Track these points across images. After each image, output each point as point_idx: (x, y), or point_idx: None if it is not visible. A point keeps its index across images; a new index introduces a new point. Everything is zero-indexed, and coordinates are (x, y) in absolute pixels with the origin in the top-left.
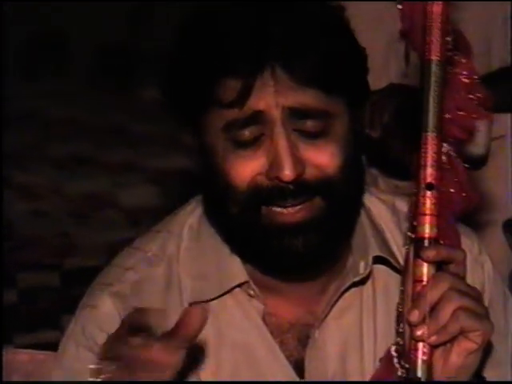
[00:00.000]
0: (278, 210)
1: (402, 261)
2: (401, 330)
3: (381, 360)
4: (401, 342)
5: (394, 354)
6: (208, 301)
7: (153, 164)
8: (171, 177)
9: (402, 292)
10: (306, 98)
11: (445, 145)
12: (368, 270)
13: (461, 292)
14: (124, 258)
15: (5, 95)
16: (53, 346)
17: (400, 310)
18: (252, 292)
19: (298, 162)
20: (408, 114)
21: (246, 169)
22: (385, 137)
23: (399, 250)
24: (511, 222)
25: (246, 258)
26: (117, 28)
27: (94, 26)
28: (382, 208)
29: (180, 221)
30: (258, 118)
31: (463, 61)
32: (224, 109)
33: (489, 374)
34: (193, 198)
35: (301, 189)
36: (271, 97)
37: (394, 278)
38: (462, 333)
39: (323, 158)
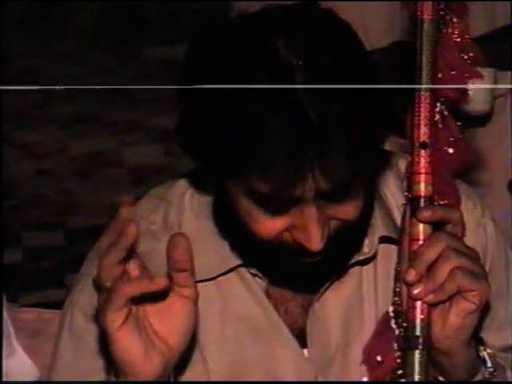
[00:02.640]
0: (306, 259)
1: None
2: (398, 290)
3: (378, 322)
4: (398, 302)
5: (391, 314)
6: (213, 278)
7: (157, 123)
8: (175, 135)
9: (399, 252)
10: (338, 183)
11: (438, 104)
12: (373, 251)
13: (458, 252)
14: None
15: (7, 54)
16: (58, 305)
17: (397, 269)
18: (253, 270)
19: (325, 230)
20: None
21: (272, 226)
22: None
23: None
24: None
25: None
26: None
27: None
28: (387, 174)
29: (180, 189)
30: (291, 201)
31: (455, 20)
32: (255, 193)
33: (491, 337)
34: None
35: (327, 246)
36: (307, 190)
37: (395, 251)
38: (460, 293)
39: (348, 213)
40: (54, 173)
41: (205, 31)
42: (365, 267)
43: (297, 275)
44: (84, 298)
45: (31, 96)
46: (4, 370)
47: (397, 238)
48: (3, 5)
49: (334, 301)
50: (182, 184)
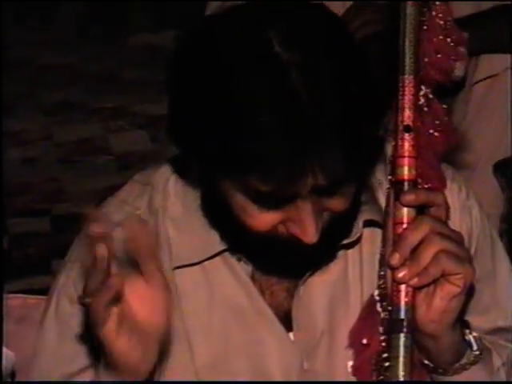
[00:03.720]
0: (297, 250)
1: None
2: (382, 273)
3: (363, 305)
4: (383, 286)
5: (376, 298)
6: (198, 263)
7: (144, 110)
8: (162, 122)
9: (384, 235)
10: (335, 179)
11: (423, 87)
12: (358, 235)
13: (442, 235)
14: (112, 212)
15: None
16: (44, 291)
17: (382, 253)
18: (237, 256)
19: (319, 223)
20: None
21: (267, 220)
22: None
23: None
24: (502, 163)
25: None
26: None
27: None
28: None
29: (165, 174)
30: (287, 198)
31: (437, 3)
32: (251, 190)
33: (476, 320)
34: None
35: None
36: (303, 186)
37: (380, 234)
38: (444, 276)
39: (340, 204)
40: (40, 160)
41: (197, 25)
42: (350, 251)
43: (286, 262)
44: (69, 283)
45: (17, 84)
46: None
47: (381, 221)
48: None
49: (319, 285)
50: (166, 169)
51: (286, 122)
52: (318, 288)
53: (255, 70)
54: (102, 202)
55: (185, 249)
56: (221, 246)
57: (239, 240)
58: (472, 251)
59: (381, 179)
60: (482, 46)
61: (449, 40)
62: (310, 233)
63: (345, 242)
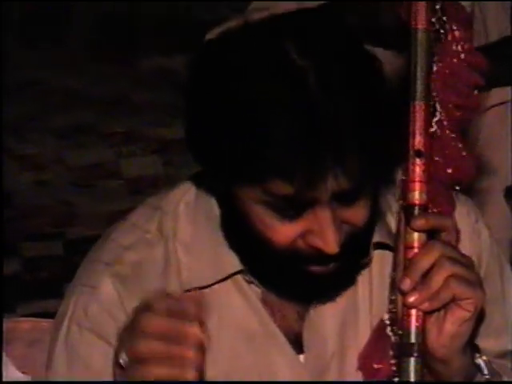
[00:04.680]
0: (318, 268)
1: None
2: (393, 298)
3: (373, 329)
4: (393, 310)
5: (387, 322)
6: (207, 286)
7: (155, 134)
8: (174, 146)
9: (395, 259)
10: (354, 183)
11: (437, 114)
12: (369, 257)
13: (452, 259)
14: (122, 235)
15: (5, 65)
16: (56, 315)
17: (393, 277)
18: (248, 278)
19: (341, 233)
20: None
21: (286, 233)
22: None
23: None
24: None
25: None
26: None
27: None
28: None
29: (175, 198)
30: (307, 204)
31: (454, 28)
32: (269, 197)
33: (486, 343)
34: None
35: (340, 251)
36: (323, 189)
37: (390, 257)
38: (454, 300)
39: (359, 216)
40: (52, 184)
41: (214, 37)
42: (360, 274)
43: (303, 285)
44: (79, 310)
45: (29, 107)
46: None
47: (390, 243)
48: (1, 14)
49: (329, 307)
50: (177, 193)
51: (305, 123)
52: (329, 310)
53: (272, 76)
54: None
55: (195, 272)
56: (232, 269)
57: (257, 258)
58: (481, 274)
59: (390, 203)
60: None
61: (467, 64)
62: (331, 241)
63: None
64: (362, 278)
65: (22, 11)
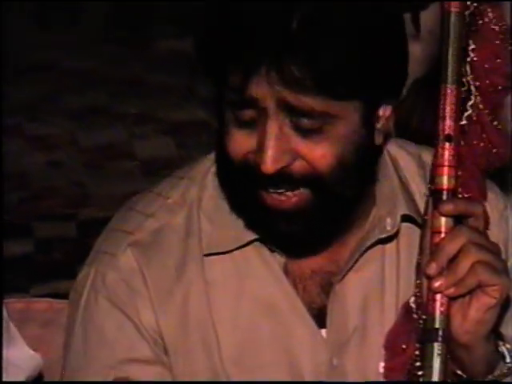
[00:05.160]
0: (264, 193)
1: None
2: (419, 282)
3: (400, 311)
4: (419, 294)
5: (412, 305)
6: (229, 251)
7: (168, 115)
8: (187, 128)
9: (421, 243)
10: (303, 97)
11: (472, 97)
12: (396, 229)
13: (479, 246)
14: (145, 204)
15: (19, 46)
16: (69, 296)
17: (419, 261)
18: (271, 247)
19: (284, 154)
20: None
21: (241, 146)
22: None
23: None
24: None
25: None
26: None
27: None
28: (408, 160)
29: (203, 168)
30: (254, 103)
31: (489, 9)
32: (230, 90)
33: (510, 331)
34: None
35: (284, 179)
36: (267, 87)
37: (418, 235)
38: (480, 287)
39: (315, 154)
40: (65, 164)
41: None
42: (387, 247)
43: (278, 236)
44: (98, 277)
45: (42, 88)
46: (4, 361)
47: (419, 220)
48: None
49: (355, 283)
50: (206, 162)
51: (266, 21)
52: (354, 286)
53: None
54: None
55: (216, 239)
56: (253, 235)
57: (225, 180)
58: (509, 262)
59: (419, 186)
60: None
61: (506, 44)
62: (266, 155)
63: (382, 236)
64: (390, 253)
65: None
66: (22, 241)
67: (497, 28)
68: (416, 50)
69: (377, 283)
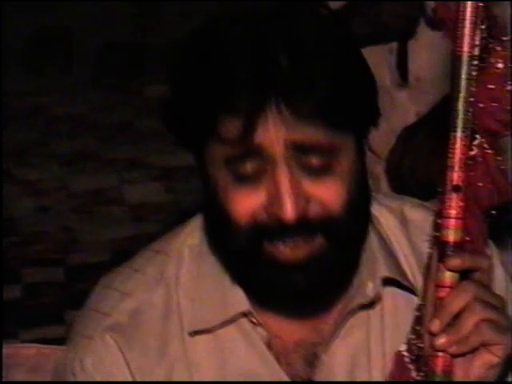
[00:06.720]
0: (279, 246)
1: (411, 278)
2: (418, 328)
3: (393, 361)
4: (413, 341)
5: (405, 353)
6: (211, 330)
7: (158, 160)
8: (176, 173)
9: (424, 294)
10: (312, 133)
11: (477, 136)
12: (377, 294)
13: (484, 303)
14: (122, 281)
15: (9, 92)
16: (58, 341)
17: (420, 311)
18: (255, 320)
19: (300, 200)
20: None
21: (246, 204)
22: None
23: (409, 267)
24: None
25: (247, 290)
26: (120, 25)
27: (97, 23)
28: (390, 218)
29: (179, 242)
30: (259, 152)
31: (498, 49)
32: (225, 144)
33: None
34: (194, 214)
35: (302, 226)
36: (274, 132)
37: (402, 297)
38: (484, 345)
39: (327, 194)
40: (54, 209)
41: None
42: (371, 314)
43: (285, 295)
44: (76, 361)
45: (33, 133)
46: None
47: (403, 282)
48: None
49: (341, 350)
50: (180, 236)
51: (252, 59)
52: (341, 354)
53: (239, 44)
54: (115, 252)
55: (197, 316)
56: (236, 310)
57: (231, 257)
58: None
59: (400, 240)
60: None
61: (507, 88)
62: (287, 204)
63: (364, 301)
64: (374, 319)
65: (26, 38)
66: (10, 286)
67: (500, 71)
68: (403, 98)
69: (363, 350)
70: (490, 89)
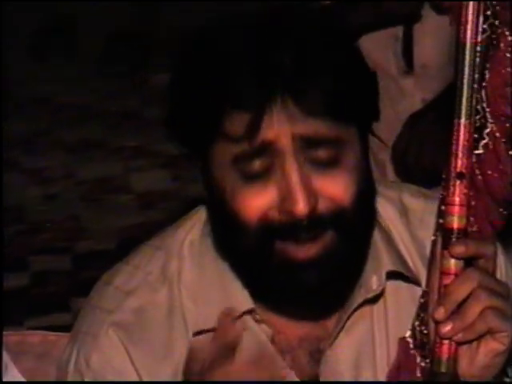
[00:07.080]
0: (292, 245)
1: (413, 268)
2: (422, 316)
3: (398, 349)
4: (418, 328)
5: (409, 340)
6: (215, 329)
7: (163, 148)
8: (182, 161)
9: (428, 281)
10: (318, 126)
11: (489, 125)
12: (381, 287)
13: (489, 290)
14: (124, 279)
15: (15, 81)
16: (64, 328)
17: (424, 299)
18: (258, 317)
19: (312, 195)
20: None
21: (257, 203)
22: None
23: (410, 257)
24: None
25: (253, 289)
26: (127, 14)
27: (104, 12)
28: (389, 208)
29: (180, 238)
30: (267, 148)
31: (507, 33)
32: (232, 142)
33: None
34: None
35: (314, 223)
36: (281, 126)
37: (405, 288)
38: (489, 333)
39: (336, 187)
40: (61, 198)
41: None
42: (375, 307)
43: (298, 294)
44: (81, 359)
45: (39, 122)
46: None
47: (405, 272)
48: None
49: (346, 345)
50: (181, 232)
51: (258, 56)
52: (346, 348)
53: (244, 41)
54: (122, 240)
55: (201, 317)
56: (241, 308)
57: (241, 258)
58: None
59: (400, 230)
60: None
61: None
62: (299, 199)
63: (369, 296)
64: (378, 313)
65: (33, 28)
66: (17, 274)
67: (509, 55)
68: (409, 85)
69: (367, 343)
70: (503, 73)
